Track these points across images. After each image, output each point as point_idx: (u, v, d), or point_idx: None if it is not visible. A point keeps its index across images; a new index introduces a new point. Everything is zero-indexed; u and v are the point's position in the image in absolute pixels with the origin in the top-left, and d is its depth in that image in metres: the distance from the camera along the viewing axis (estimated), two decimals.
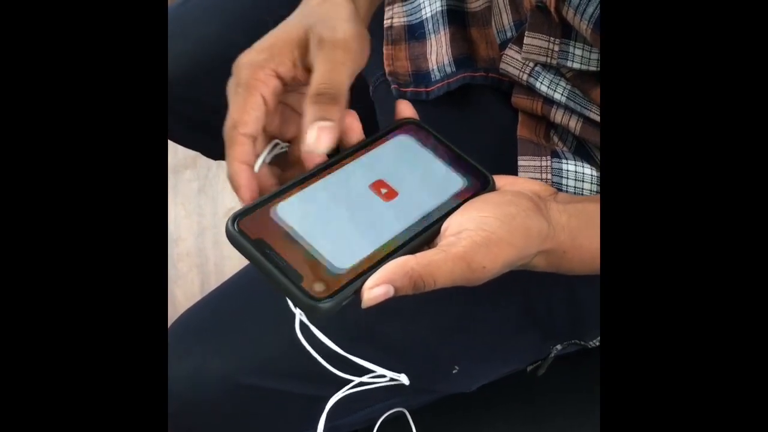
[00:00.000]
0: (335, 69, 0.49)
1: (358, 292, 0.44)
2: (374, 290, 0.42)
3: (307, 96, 0.48)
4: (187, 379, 0.64)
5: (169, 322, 1.01)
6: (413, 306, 0.63)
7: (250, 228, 0.45)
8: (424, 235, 0.47)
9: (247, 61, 0.51)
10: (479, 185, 0.50)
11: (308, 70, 0.51)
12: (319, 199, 0.48)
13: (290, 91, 0.53)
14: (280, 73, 0.50)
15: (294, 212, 0.46)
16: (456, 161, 0.51)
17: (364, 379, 0.51)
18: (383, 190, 0.49)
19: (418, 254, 0.43)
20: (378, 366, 0.63)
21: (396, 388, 0.67)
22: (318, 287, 0.43)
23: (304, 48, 0.51)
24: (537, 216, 0.46)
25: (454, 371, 0.65)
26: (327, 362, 0.51)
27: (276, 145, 0.53)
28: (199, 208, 1.44)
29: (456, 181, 0.50)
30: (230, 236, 0.45)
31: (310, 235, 0.45)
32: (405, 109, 0.53)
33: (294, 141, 0.53)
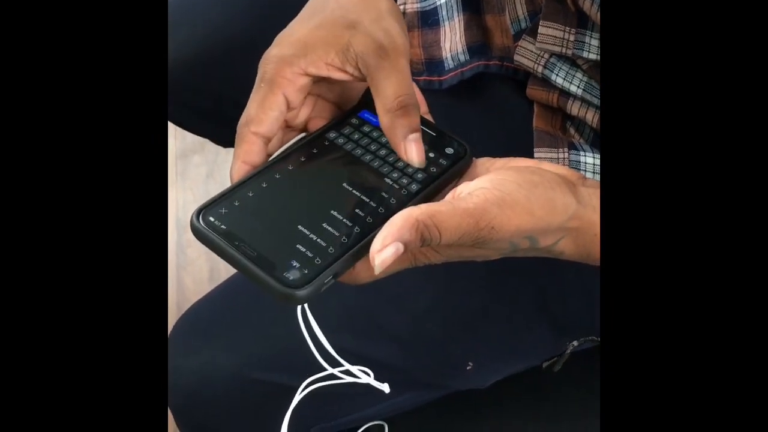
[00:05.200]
0: (405, 78, 0.47)
1: (337, 276, 0.42)
2: (384, 252, 0.39)
3: (386, 110, 0.46)
4: (195, 374, 0.63)
5: (178, 309, 1.00)
6: (425, 301, 0.62)
7: (218, 220, 0.43)
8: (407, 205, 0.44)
9: (275, 54, 0.48)
10: (458, 154, 0.48)
11: (348, 72, 0.48)
12: (290, 184, 0.46)
13: (318, 82, 0.50)
14: (310, 73, 0.48)
15: (263, 201, 0.45)
16: (429, 132, 0.50)
17: (336, 372, 0.48)
18: (359, 169, 0.47)
19: (422, 205, 0.40)
20: (385, 360, 0.62)
21: (408, 384, 0.66)
22: (293, 274, 0.41)
23: (344, 51, 0.48)
24: (563, 190, 0.44)
25: (468, 368, 0.64)
26: (329, 354, 0.49)
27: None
28: (208, 194, 1.43)
29: (433, 150, 0.48)
30: (196, 231, 0.43)
31: (281, 223, 0.44)
32: None
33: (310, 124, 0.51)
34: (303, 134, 0.51)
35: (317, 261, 0.42)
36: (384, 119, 0.47)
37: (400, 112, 0.46)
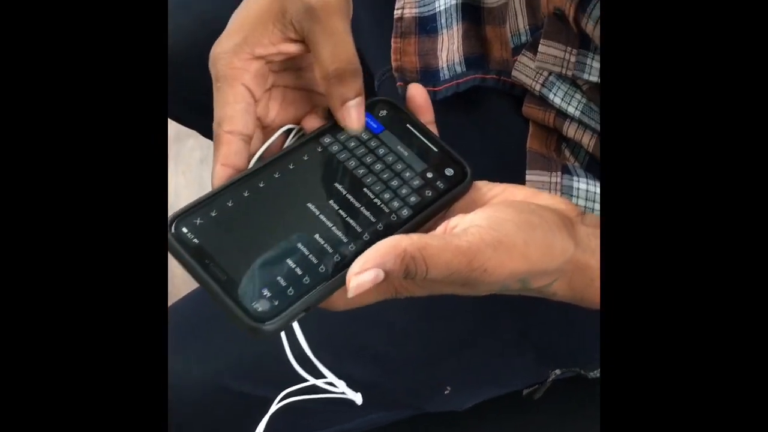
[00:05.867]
0: (342, 40, 0.45)
1: (309, 310, 0.39)
2: (362, 276, 0.36)
3: (321, 77, 0.45)
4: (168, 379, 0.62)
5: (169, 298, 0.98)
6: (407, 323, 0.60)
7: (191, 233, 0.40)
8: (396, 232, 0.41)
9: (219, 51, 0.46)
10: (457, 177, 0.45)
11: (294, 41, 0.46)
12: (272, 196, 0.43)
13: (282, 71, 0.48)
14: (259, 55, 0.46)
15: (242, 213, 0.42)
16: (431, 148, 0.46)
17: (318, 383, 0.45)
18: (349, 185, 0.44)
19: (413, 235, 0.38)
20: (361, 378, 0.60)
21: (383, 402, 0.65)
22: (262, 305, 0.38)
23: (281, 20, 0.46)
24: (562, 234, 0.41)
25: (446, 392, 0.63)
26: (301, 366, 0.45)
27: (290, 131, 0.48)
28: (201, 178, 1.41)
29: (432, 170, 0.45)
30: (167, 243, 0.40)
31: (257, 241, 0.41)
32: (417, 95, 0.49)
33: (305, 121, 0.49)
34: (296, 128, 0.48)
35: (290, 291, 0.39)
36: (321, 86, 0.46)
37: (336, 80, 0.45)
